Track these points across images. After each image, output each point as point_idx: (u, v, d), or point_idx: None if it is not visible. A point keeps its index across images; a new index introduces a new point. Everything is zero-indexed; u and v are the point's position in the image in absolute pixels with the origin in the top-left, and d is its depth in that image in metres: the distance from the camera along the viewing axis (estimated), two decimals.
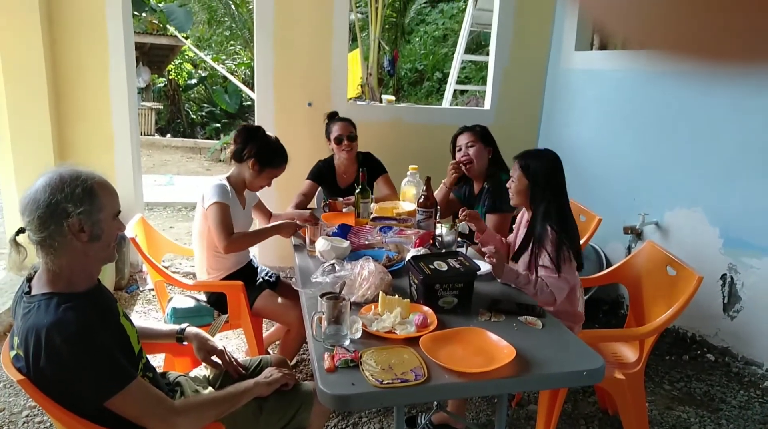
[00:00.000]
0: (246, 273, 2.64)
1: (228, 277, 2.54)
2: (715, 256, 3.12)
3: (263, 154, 2.44)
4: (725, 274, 3.09)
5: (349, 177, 3.11)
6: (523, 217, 2.36)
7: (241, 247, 2.49)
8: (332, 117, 3.12)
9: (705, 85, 2.95)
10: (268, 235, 2.53)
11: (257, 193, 2.72)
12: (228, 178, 2.50)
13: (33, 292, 1.33)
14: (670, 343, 3.31)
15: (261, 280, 2.70)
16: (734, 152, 3.02)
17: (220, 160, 9.52)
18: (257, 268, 2.79)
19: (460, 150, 2.78)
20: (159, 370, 1.76)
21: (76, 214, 1.30)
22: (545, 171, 2.15)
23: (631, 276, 2.44)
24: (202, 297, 2.63)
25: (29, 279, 1.39)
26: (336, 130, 3.01)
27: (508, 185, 2.24)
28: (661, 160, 3.45)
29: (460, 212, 2.37)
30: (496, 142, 2.83)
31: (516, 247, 2.30)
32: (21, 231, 1.34)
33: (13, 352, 1.32)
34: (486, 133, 2.80)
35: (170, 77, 12.92)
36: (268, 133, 2.54)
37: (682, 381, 2.91)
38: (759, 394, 2.81)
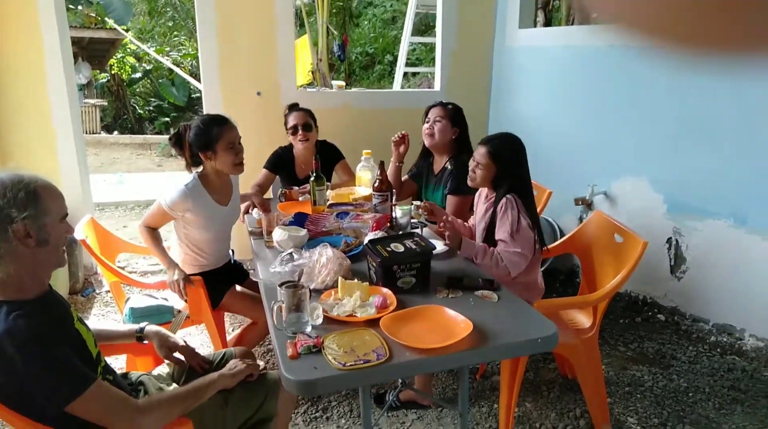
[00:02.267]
0: (222, 272, 2.58)
1: (204, 274, 2.47)
2: (661, 221, 3.27)
3: (200, 140, 2.32)
4: (671, 237, 3.24)
5: (307, 167, 3.08)
6: (480, 196, 2.41)
7: (148, 240, 2.40)
8: (291, 107, 3.10)
9: (647, 61, 3.05)
10: (160, 257, 2.40)
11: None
12: (202, 177, 2.40)
13: None
14: (623, 307, 3.46)
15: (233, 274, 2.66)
16: (674, 124, 3.15)
17: (172, 155, 9.28)
18: (239, 265, 2.73)
19: (428, 122, 2.81)
20: (121, 372, 1.75)
21: (20, 219, 1.27)
22: (512, 155, 2.22)
23: (582, 245, 2.53)
24: (161, 295, 2.59)
25: None
26: (292, 119, 3.00)
27: (471, 168, 2.27)
28: (607, 132, 3.56)
29: (421, 204, 2.42)
30: (466, 125, 2.85)
31: (476, 227, 2.35)
32: None
33: None
34: (457, 113, 2.81)
35: (113, 72, 12.45)
36: (187, 122, 2.42)
37: (635, 342, 3.05)
38: (706, 349, 2.98)
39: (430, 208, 2.39)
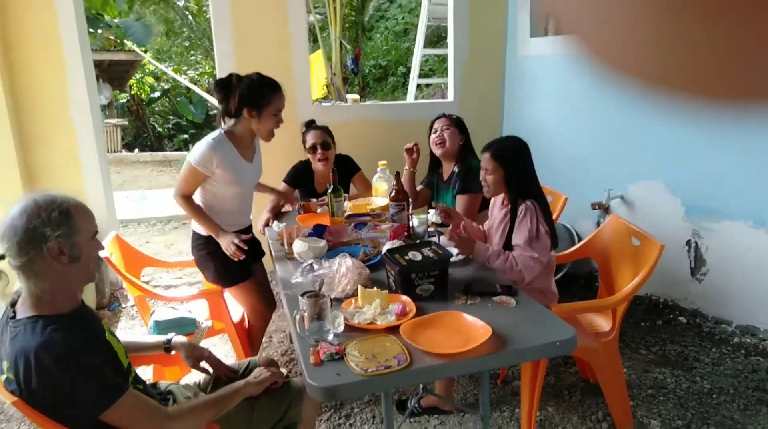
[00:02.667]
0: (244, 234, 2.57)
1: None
2: (679, 224, 3.26)
3: (251, 98, 2.29)
4: (690, 239, 3.23)
5: (326, 182, 3.09)
6: (496, 202, 2.45)
7: (183, 210, 2.40)
8: (309, 125, 3.16)
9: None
10: (208, 231, 2.40)
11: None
12: (229, 133, 2.37)
13: (18, 317, 1.36)
14: (644, 310, 3.44)
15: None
16: (687, 128, 3.15)
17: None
18: (257, 240, 2.71)
19: (435, 132, 2.91)
20: (150, 382, 1.80)
21: (54, 237, 1.33)
22: (515, 153, 2.26)
23: (599, 250, 2.54)
24: (184, 307, 2.65)
25: (13, 304, 1.41)
26: (310, 138, 3.05)
27: (482, 178, 2.31)
28: (622, 137, 3.57)
29: (435, 207, 2.46)
30: (469, 134, 2.96)
31: (493, 231, 2.38)
32: (1, 257, 1.36)
33: (4, 376, 1.35)
34: (461, 122, 2.95)
35: (132, 92, 12.75)
36: (243, 74, 2.38)
37: (657, 345, 3.04)
38: (729, 350, 2.95)
39: (446, 210, 2.43)
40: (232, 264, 2.40)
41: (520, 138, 2.30)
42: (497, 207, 2.42)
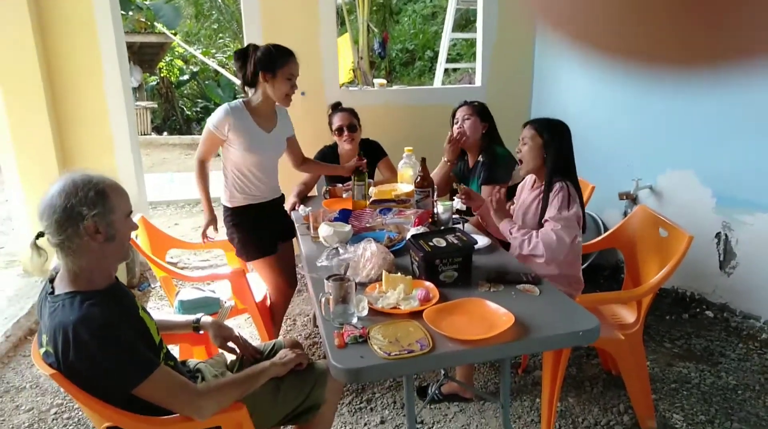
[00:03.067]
0: (271, 210, 2.73)
1: (253, 206, 2.63)
2: (709, 216, 3.20)
3: (265, 62, 2.43)
4: (719, 232, 3.17)
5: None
6: (526, 184, 2.44)
7: (198, 176, 2.59)
8: (335, 107, 3.18)
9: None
10: (203, 196, 2.60)
11: (293, 129, 2.76)
12: (247, 102, 2.53)
13: (56, 292, 1.41)
14: (670, 303, 3.40)
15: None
16: (722, 114, 3.07)
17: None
18: (290, 220, 2.82)
19: (457, 122, 2.88)
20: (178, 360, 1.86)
21: (90, 216, 1.37)
22: (555, 128, 2.27)
23: (625, 240, 2.52)
24: (208, 288, 2.72)
25: (51, 280, 1.47)
26: (336, 120, 3.08)
27: (518, 149, 2.31)
28: (652, 124, 3.50)
29: (457, 188, 2.47)
30: (493, 119, 2.92)
31: (521, 213, 2.38)
32: (40, 235, 1.42)
33: (43, 350, 1.41)
34: (484, 109, 2.90)
35: (162, 75, 12.91)
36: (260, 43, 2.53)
37: (683, 338, 3.00)
38: (757, 346, 2.90)
39: (467, 191, 2.43)
40: (255, 237, 2.60)
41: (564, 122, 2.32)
42: (526, 190, 2.41)
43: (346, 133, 3.04)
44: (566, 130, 2.28)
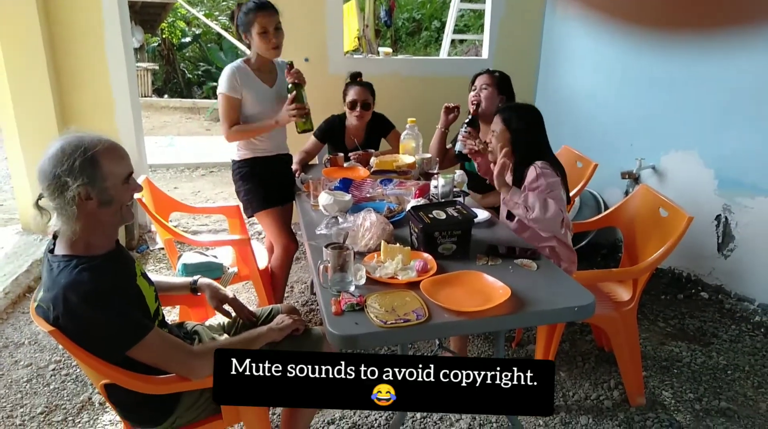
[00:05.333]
0: (278, 165, 2.78)
1: (259, 160, 2.70)
2: (710, 198, 3.19)
3: (240, 22, 2.50)
4: (720, 214, 3.16)
5: (357, 139, 3.10)
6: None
7: (241, 138, 2.64)
8: (354, 78, 3.07)
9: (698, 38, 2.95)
10: (269, 128, 2.62)
11: None
12: (246, 60, 2.61)
13: (56, 252, 1.41)
14: (666, 283, 3.42)
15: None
16: (728, 96, 3.04)
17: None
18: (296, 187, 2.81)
19: (474, 89, 2.81)
20: (176, 323, 1.87)
21: (75, 186, 1.32)
22: (526, 119, 2.25)
23: (625, 219, 2.51)
24: (211, 253, 2.72)
25: (55, 236, 1.46)
26: (352, 94, 2.98)
27: (488, 139, 2.29)
28: (657, 104, 3.47)
29: (461, 134, 2.53)
30: (513, 94, 2.83)
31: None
32: (41, 196, 1.40)
33: (35, 304, 1.41)
34: (504, 80, 2.80)
35: (164, 36, 12.70)
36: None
37: (676, 318, 3.03)
38: (750, 328, 2.93)
39: (472, 132, 2.50)
40: (261, 189, 2.68)
41: (536, 108, 2.30)
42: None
43: (358, 109, 2.97)
44: (535, 118, 2.26)
